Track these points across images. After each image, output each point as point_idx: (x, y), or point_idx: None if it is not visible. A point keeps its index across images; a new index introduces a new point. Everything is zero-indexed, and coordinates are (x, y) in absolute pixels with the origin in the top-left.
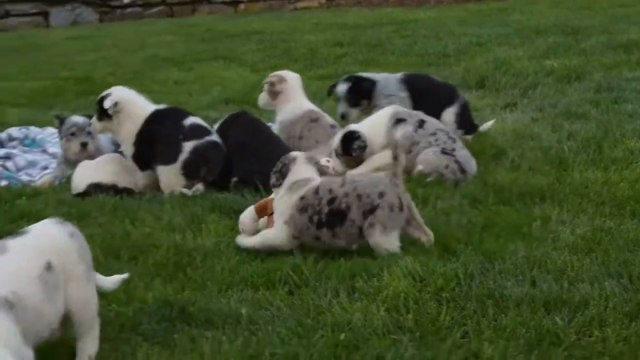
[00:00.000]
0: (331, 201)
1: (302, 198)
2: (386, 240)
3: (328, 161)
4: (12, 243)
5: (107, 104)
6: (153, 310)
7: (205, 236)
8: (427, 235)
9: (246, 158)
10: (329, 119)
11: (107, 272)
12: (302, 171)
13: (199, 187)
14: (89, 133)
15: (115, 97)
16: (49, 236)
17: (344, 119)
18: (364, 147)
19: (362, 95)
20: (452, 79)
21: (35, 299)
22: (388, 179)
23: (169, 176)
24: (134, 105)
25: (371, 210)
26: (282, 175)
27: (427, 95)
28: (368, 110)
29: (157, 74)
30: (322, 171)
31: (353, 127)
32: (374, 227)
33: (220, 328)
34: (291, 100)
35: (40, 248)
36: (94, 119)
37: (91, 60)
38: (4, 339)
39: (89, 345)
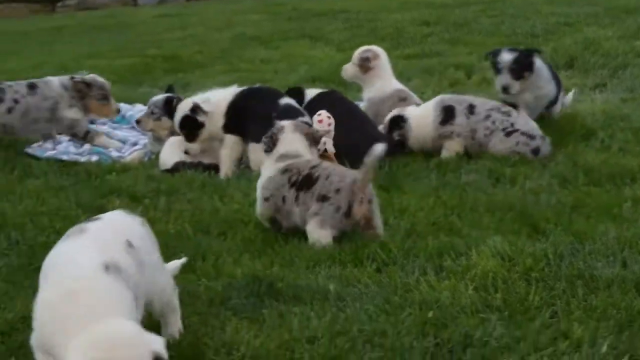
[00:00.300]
0: (313, 167)
1: (287, 167)
2: (320, 233)
3: (329, 117)
4: (90, 225)
5: None
6: (242, 285)
7: None
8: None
9: (336, 135)
10: (416, 99)
11: (197, 247)
12: (290, 140)
13: None
14: None
15: None
16: (124, 221)
17: (505, 91)
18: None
19: (526, 68)
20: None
21: (130, 270)
22: (354, 179)
23: (260, 154)
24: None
25: (323, 198)
26: (273, 143)
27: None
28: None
29: (244, 53)
30: (311, 138)
31: (407, 112)
32: (314, 217)
33: (308, 304)
34: (381, 77)
35: (118, 230)
36: None
37: (178, 38)
38: (126, 307)
39: (171, 328)
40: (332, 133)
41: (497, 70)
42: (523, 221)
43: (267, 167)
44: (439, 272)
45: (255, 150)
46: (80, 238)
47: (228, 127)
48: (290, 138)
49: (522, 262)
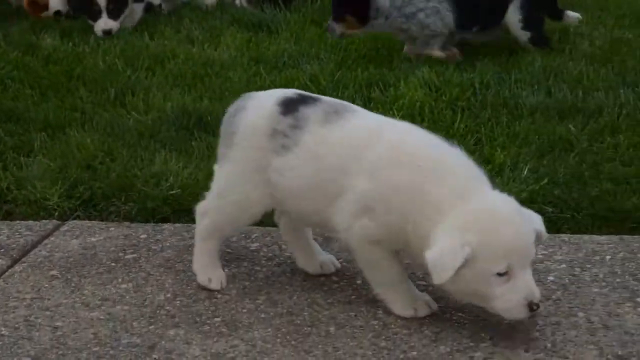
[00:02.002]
0: None
1: None
2: None
3: None
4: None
5: None
6: (171, 118)
7: (223, 49)
8: None
9: None
10: None
11: (127, 82)
12: None
13: None
14: None
15: None
16: None
17: None
18: None
19: None
20: None
21: None
22: None
23: None
24: None
25: None
26: None
27: None
28: None
29: None
30: None
31: None
32: None
33: None
34: None
35: None
36: None
37: None
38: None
39: None
40: None
41: None
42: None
43: None
44: (367, 103)
45: None
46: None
47: None
48: None
49: (449, 91)
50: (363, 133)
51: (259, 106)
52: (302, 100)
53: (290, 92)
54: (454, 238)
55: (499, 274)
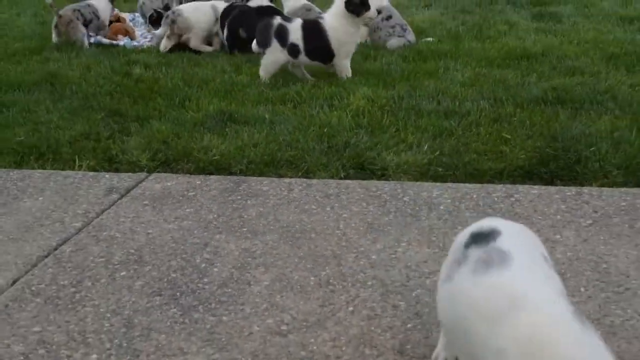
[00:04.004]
0: None
1: None
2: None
3: None
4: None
5: None
6: (213, 115)
7: (243, 75)
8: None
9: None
10: (317, 10)
11: (186, 94)
12: None
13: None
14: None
15: None
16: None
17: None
18: None
19: None
20: None
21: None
22: None
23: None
24: None
25: None
26: None
27: None
28: None
29: None
30: None
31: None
32: None
33: (253, 125)
34: None
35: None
36: None
37: None
38: None
39: None
40: None
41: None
42: (381, 80)
43: None
44: (330, 107)
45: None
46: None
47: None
48: None
49: (379, 101)
50: (499, 302)
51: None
52: (482, 237)
53: (490, 224)
54: None
55: None
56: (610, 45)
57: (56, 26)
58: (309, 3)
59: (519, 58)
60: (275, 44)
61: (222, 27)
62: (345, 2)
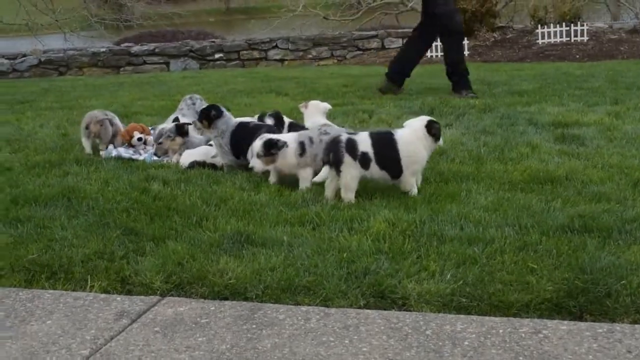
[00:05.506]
0: None
1: None
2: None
3: None
4: None
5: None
6: (230, 236)
7: (262, 194)
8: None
9: None
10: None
11: (203, 213)
12: None
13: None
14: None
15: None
16: None
17: None
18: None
19: None
20: (412, 108)
21: None
22: None
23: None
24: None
25: None
26: None
27: None
28: None
29: (234, 99)
30: None
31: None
32: None
33: (270, 248)
34: (312, 115)
35: None
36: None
37: (194, 90)
38: None
39: None
40: None
41: None
42: (402, 202)
43: None
44: (350, 231)
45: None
46: None
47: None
48: None
49: (401, 225)
50: None
51: None
52: None
53: None
54: None
55: None
56: (635, 171)
57: (87, 127)
58: (329, 122)
59: (543, 182)
60: (348, 159)
61: None
62: (426, 126)
